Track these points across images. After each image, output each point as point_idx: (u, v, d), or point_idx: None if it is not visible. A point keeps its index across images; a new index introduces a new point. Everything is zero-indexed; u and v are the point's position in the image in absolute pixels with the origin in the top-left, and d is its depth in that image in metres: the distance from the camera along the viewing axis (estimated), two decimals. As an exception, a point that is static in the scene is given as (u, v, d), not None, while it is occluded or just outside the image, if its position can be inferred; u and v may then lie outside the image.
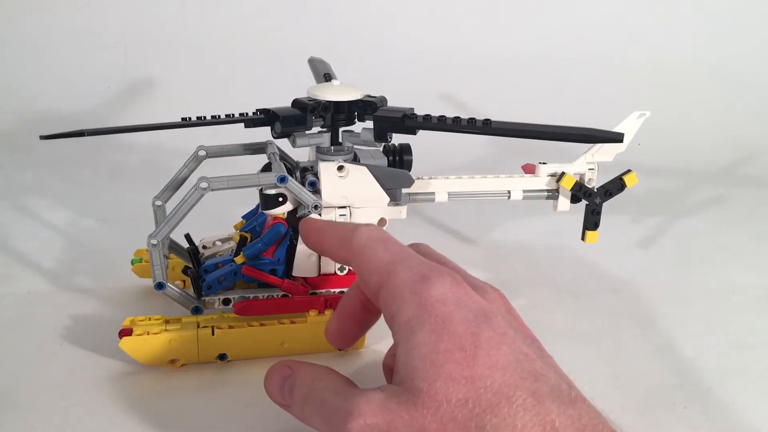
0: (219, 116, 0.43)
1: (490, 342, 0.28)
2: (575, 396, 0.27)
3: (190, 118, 0.43)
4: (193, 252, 0.47)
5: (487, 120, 0.41)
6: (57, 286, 0.52)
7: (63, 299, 0.50)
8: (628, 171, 0.49)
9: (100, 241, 0.61)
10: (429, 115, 0.42)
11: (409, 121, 0.41)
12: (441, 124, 0.41)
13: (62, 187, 0.74)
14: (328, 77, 0.51)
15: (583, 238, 0.50)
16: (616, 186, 0.49)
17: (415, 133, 0.42)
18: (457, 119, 0.41)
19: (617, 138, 0.44)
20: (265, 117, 0.44)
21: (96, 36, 0.92)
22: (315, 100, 0.44)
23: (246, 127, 0.44)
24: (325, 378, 0.31)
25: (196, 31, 0.94)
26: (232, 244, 0.48)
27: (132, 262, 0.51)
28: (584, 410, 0.26)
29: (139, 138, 0.85)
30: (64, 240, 0.60)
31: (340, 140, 0.45)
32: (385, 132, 0.43)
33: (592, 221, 0.49)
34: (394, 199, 0.45)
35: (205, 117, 0.43)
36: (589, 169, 0.49)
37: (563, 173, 0.48)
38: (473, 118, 0.41)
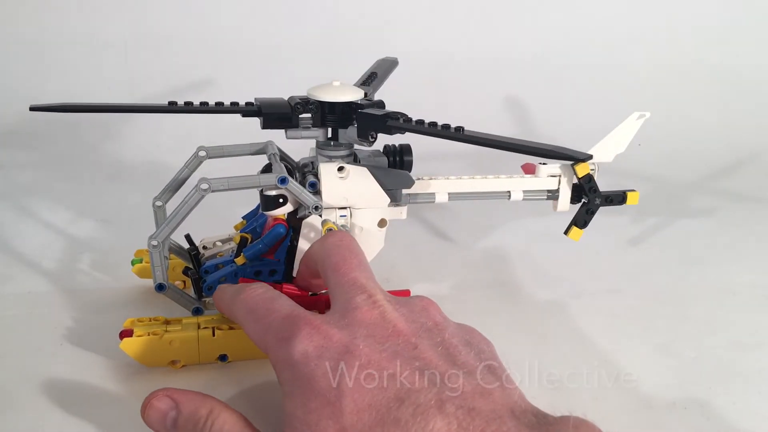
0: (207, 103, 0.43)
1: (354, 383, 0.29)
2: (445, 398, 0.28)
3: (176, 103, 0.43)
4: (193, 253, 0.47)
5: (459, 127, 0.41)
6: (57, 286, 0.52)
7: (63, 299, 0.50)
8: (633, 190, 0.50)
9: (100, 241, 0.61)
10: (410, 117, 0.42)
11: (391, 122, 0.42)
12: (419, 127, 0.42)
13: (62, 187, 0.73)
14: (373, 76, 0.51)
15: (566, 232, 0.50)
16: (618, 197, 0.49)
17: (391, 134, 0.42)
18: (433, 124, 0.42)
19: (584, 158, 0.45)
20: (256, 108, 0.44)
21: (96, 36, 0.92)
22: (306, 99, 0.44)
23: (243, 116, 0.44)
24: (214, 421, 0.31)
25: (196, 31, 0.94)
26: (233, 245, 0.48)
27: (132, 263, 0.51)
28: (453, 413, 0.27)
29: (139, 138, 0.85)
30: (64, 240, 0.60)
31: (338, 139, 0.45)
32: (367, 131, 0.43)
33: (583, 219, 0.50)
34: (395, 199, 0.45)
35: (192, 103, 0.43)
36: (590, 169, 0.49)
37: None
38: (447, 125, 0.42)
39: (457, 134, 0.41)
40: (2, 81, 0.89)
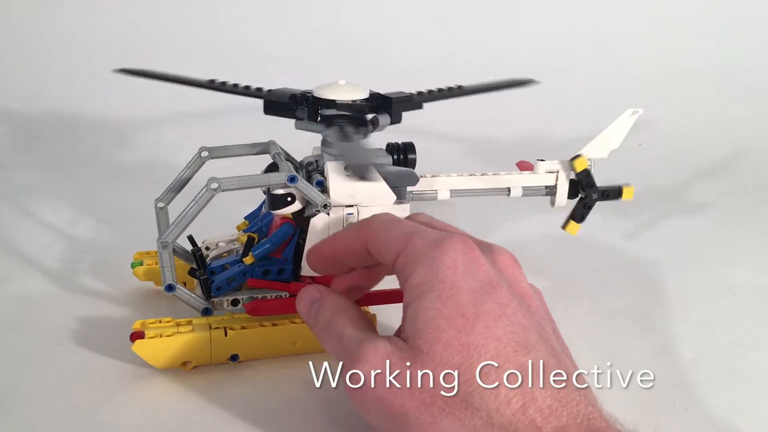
0: (237, 85, 0.45)
1: (490, 313, 0.30)
2: (563, 368, 0.29)
3: (214, 81, 0.46)
4: (198, 254, 0.47)
5: (460, 86, 0.48)
6: (57, 286, 0.52)
7: (63, 300, 0.50)
8: (629, 184, 0.50)
9: (101, 242, 0.60)
10: (431, 89, 0.47)
11: (418, 97, 0.45)
12: (439, 93, 0.46)
13: (62, 187, 0.73)
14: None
15: (563, 227, 0.51)
16: (614, 192, 0.50)
17: (421, 107, 0.46)
18: (444, 89, 0.47)
19: (524, 83, 0.50)
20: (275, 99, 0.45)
21: (96, 36, 0.92)
22: (304, 94, 0.44)
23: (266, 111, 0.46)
24: (346, 313, 0.34)
25: (197, 30, 0.94)
26: (237, 245, 0.48)
27: (132, 265, 0.51)
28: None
29: (139, 138, 0.85)
30: (64, 240, 0.60)
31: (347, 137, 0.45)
32: (401, 112, 0.46)
33: (580, 214, 0.50)
34: (400, 197, 0.45)
35: (226, 83, 0.46)
36: (587, 165, 0.49)
37: (578, 155, 0.49)
38: (451, 87, 0.47)
39: (461, 91, 0.47)
40: (2, 81, 0.89)
